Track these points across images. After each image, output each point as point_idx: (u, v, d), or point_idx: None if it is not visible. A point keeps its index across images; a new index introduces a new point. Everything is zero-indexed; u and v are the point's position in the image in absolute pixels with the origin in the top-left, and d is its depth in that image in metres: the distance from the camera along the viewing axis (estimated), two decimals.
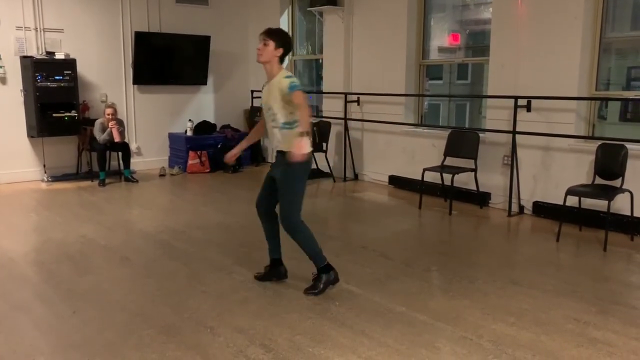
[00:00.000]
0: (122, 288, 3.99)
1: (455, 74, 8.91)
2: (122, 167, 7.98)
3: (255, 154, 9.37)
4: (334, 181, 8.01)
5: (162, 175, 8.46)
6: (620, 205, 5.17)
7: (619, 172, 5.06)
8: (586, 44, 5.55)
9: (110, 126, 7.55)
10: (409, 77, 7.34)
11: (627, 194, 5.02)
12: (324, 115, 8.55)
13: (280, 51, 3.69)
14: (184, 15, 9.01)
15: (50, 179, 7.83)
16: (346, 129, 7.94)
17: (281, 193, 3.74)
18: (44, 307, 3.66)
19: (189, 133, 8.89)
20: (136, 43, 8.48)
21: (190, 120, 8.96)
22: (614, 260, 4.64)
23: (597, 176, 5.26)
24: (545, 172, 5.91)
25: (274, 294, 3.85)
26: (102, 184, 7.61)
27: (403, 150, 7.43)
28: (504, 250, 5.08)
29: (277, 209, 3.85)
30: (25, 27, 7.63)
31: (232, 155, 4.04)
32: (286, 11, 9.12)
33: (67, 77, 7.58)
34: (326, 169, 8.16)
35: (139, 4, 8.57)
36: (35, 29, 7.72)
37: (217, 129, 9.35)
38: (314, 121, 8.03)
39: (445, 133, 6.65)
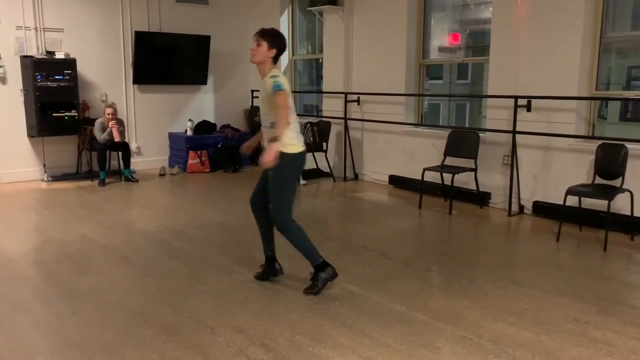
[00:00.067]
0: (122, 288, 3.99)
1: (455, 73, 8.90)
2: (122, 166, 7.98)
3: (256, 153, 9.36)
4: (334, 181, 8.01)
5: (162, 175, 8.46)
6: (621, 205, 5.16)
7: (619, 172, 5.06)
8: (586, 44, 5.55)
9: (110, 126, 7.55)
10: (409, 77, 7.34)
11: (627, 194, 5.02)
12: (324, 114, 8.55)
13: (274, 52, 3.71)
14: (184, 15, 9.01)
15: (50, 179, 7.83)
16: (346, 128, 7.94)
17: (271, 192, 3.76)
18: (44, 307, 3.66)
19: (189, 133, 8.89)
20: (136, 43, 8.48)
21: (190, 119, 8.96)
22: (614, 260, 4.64)
23: (597, 176, 5.26)
24: (546, 171, 5.91)
25: (274, 293, 3.85)
26: (102, 183, 7.61)
27: (403, 150, 7.43)
28: (504, 250, 5.08)
29: None
30: (25, 27, 7.63)
31: (247, 147, 4.17)
32: (286, 11, 9.12)
33: (67, 77, 7.58)
34: (326, 169, 8.16)
35: (139, 3, 8.57)
36: (35, 28, 7.72)
37: (217, 129, 9.35)
38: (313, 121, 8.05)
39: (446, 133, 6.65)
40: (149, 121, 8.93)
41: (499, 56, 6.20)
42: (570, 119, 5.66)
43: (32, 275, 4.29)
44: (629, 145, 5.07)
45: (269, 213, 3.82)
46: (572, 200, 5.31)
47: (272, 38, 3.71)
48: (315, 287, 3.80)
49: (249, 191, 3.98)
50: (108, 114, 7.60)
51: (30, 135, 7.76)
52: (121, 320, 3.44)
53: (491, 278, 4.15)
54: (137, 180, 7.91)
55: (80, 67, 7.86)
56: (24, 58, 7.53)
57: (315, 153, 8.04)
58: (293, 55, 9.30)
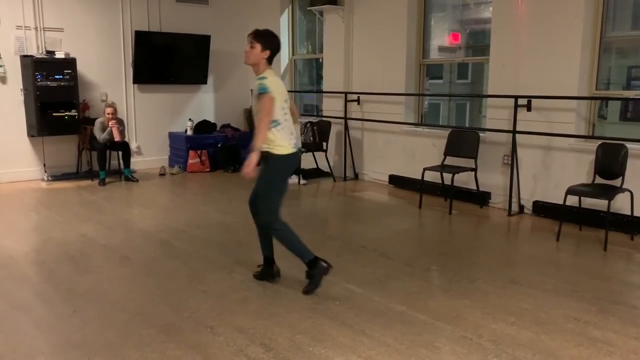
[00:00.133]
0: (122, 287, 3.99)
1: (455, 73, 8.90)
2: (122, 166, 7.98)
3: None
4: (334, 181, 8.01)
5: (162, 175, 8.46)
6: (621, 204, 5.17)
7: (619, 172, 5.06)
8: (586, 44, 5.55)
9: (110, 125, 7.56)
10: (409, 77, 7.34)
11: (627, 194, 5.02)
12: (324, 114, 8.55)
13: (267, 53, 3.71)
14: (184, 15, 9.01)
15: (50, 178, 7.83)
16: (346, 128, 7.94)
17: (259, 192, 3.78)
18: (44, 307, 3.66)
19: (189, 132, 8.89)
20: (136, 42, 8.48)
21: (190, 119, 8.96)
22: (614, 260, 4.64)
23: (597, 176, 5.26)
24: (546, 171, 5.91)
25: (274, 293, 3.85)
26: (102, 183, 7.61)
27: (403, 149, 7.43)
28: (504, 249, 5.08)
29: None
30: (25, 27, 7.63)
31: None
32: (286, 10, 9.12)
33: (67, 77, 7.58)
34: (326, 169, 8.16)
35: (139, 3, 8.57)
36: (35, 28, 7.72)
37: (217, 128, 9.35)
38: (313, 120, 8.05)
39: (446, 132, 6.65)
40: (149, 121, 8.93)
41: (499, 56, 6.20)
42: (570, 118, 5.66)
43: (32, 274, 4.29)
44: (629, 145, 5.07)
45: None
46: (572, 200, 5.31)
47: (265, 39, 3.72)
48: (312, 285, 3.80)
49: (248, 191, 3.98)
50: (108, 114, 7.60)
51: (30, 135, 7.76)
52: (121, 319, 3.44)
53: (491, 278, 4.15)
54: (137, 180, 7.92)
55: (80, 67, 7.86)
56: (24, 58, 7.53)
57: (315, 153, 8.04)
58: (293, 54, 9.30)
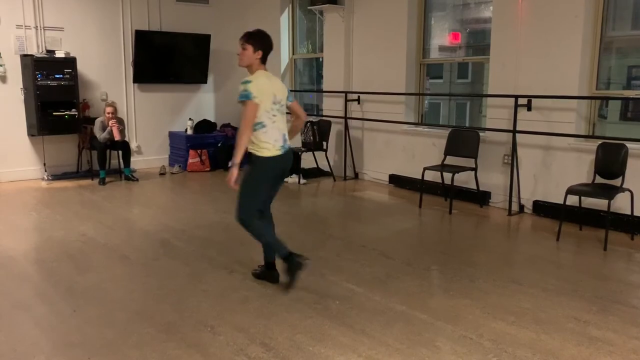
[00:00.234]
0: (122, 287, 3.99)
1: (455, 72, 8.90)
2: (122, 165, 7.97)
3: None
4: (334, 180, 8.01)
5: (162, 174, 8.46)
6: (621, 204, 5.17)
7: (619, 172, 5.06)
8: (587, 43, 5.55)
9: (110, 125, 7.56)
10: (409, 76, 7.34)
11: (627, 193, 5.02)
12: (324, 114, 8.55)
13: (260, 53, 3.73)
14: (184, 14, 9.01)
15: (50, 178, 7.83)
16: (346, 127, 7.94)
17: (239, 190, 3.75)
18: (44, 306, 3.66)
19: (189, 132, 8.89)
20: (136, 41, 8.48)
21: (190, 119, 8.96)
22: (614, 260, 4.64)
23: (597, 175, 5.26)
24: (546, 171, 5.91)
25: (274, 292, 3.85)
26: (103, 182, 7.61)
27: (403, 149, 7.43)
28: (504, 249, 5.08)
29: (270, 209, 3.98)
30: (25, 26, 7.63)
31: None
32: (287, 9, 9.11)
33: (68, 76, 7.58)
34: (326, 168, 8.16)
35: (139, 2, 8.56)
36: (36, 27, 7.72)
37: (218, 128, 9.35)
38: (313, 120, 8.05)
39: (446, 132, 6.65)
40: (149, 120, 8.93)
41: (499, 55, 6.20)
42: (570, 118, 5.66)
43: (32, 273, 4.29)
44: (629, 145, 5.07)
45: (267, 214, 3.92)
46: (572, 200, 5.31)
47: (256, 40, 3.72)
48: (291, 281, 3.79)
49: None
50: (108, 113, 7.60)
51: (30, 134, 7.76)
52: (121, 319, 3.44)
53: (491, 277, 4.15)
54: (137, 179, 7.91)
55: (81, 66, 7.86)
56: (24, 57, 7.53)
57: (315, 152, 8.04)
58: (293, 54, 9.30)
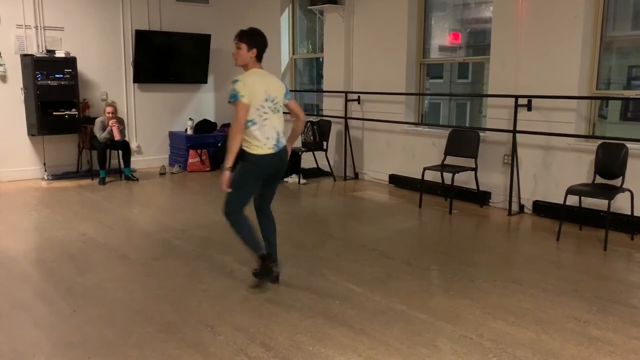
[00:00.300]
0: (122, 286, 3.99)
1: (455, 72, 8.89)
2: (122, 165, 7.97)
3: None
4: (335, 180, 8.01)
5: (162, 174, 8.46)
6: (621, 204, 5.17)
7: (619, 172, 5.06)
8: (587, 43, 5.55)
9: (110, 124, 7.56)
10: (409, 76, 7.34)
11: (627, 194, 5.02)
12: (324, 114, 8.55)
13: (254, 52, 3.71)
14: (185, 14, 9.01)
15: (50, 177, 7.83)
16: (346, 127, 7.94)
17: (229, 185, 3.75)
18: (44, 306, 3.66)
19: (190, 131, 8.89)
20: (136, 41, 8.48)
21: (190, 118, 8.96)
22: (614, 260, 4.64)
23: (597, 175, 5.26)
24: (546, 171, 5.91)
25: (274, 292, 3.85)
26: (103, 182, 7.61)
27: (403, 149, 7.43)
28: (504, 249, 5.08)
29: (270, 207, 4.00)
30: (25, 26, 7.63)
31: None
32: (287, 9, 9.11)
33: (68, 76, 7.58)
34: (326, 168, 8.16)
35: (139, 2, 8.56)
36: (36, 27, 7.72)
37: (218, 128, 9.34)
38: (314, 120, 8.04)
39: (446, 132, 6.65)
40: (149, 120, 8.93)
41: (499, 55, 6.20)
42: (570, 118, 5.66)
43: (32, 273, 4.29)
44: (629, 145, 5.07)
45: (267, 212, 3.95)
46: (572, 200, 5.31)
47: (249, 38, 3.70)
48: (257, 283, 3.82)
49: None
50: (108, 113, 7.60)
51: (30, 134, 7.76)
52: (121, 318, 3.44)
53: (491, 277, 4.15)
54: (137, 179, 7.91)
55: (81, 66, 7.86)
56: (24, 57, 7.53)
57: (315, 152, 8.04)
58: (293, 54, 9.30)
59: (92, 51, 8.19)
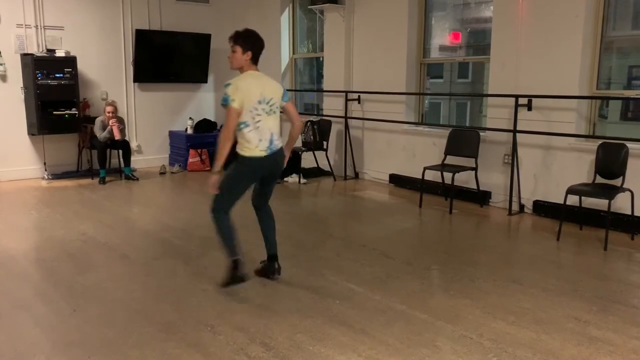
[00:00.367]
0: (122, 286, 3.99)
1: (456, 72, 8.89)
2: (122, 165, 7.97)
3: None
4: (335, 180, 8.01)
5: (162, 173, 8.46)
6: (621, 204, 5.17)
7: (620, 172, 5.06)
8: (587, 43, 5.54)
9: (110, 124, 7.56)
10: (409, 76, 7.34)
11: (627, 193, 5.02)
12: (324, 113, 8.55)
13: (249, 54, 3.67)
14: (185, 13, 9.01)
15: (50, 177, 7.83)
16: (347, 127, 7.93)
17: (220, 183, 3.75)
18: (45, 305, 3.66)
19: (190, 131, 8.89)
20: (137, 41, 8.48)
21: (190, 118, 8.96)
22: (614, 259, 4.64)
23: (597, 175, 5.26)
24: (546, 171, 5.91)
25: (274, 292, 3.85)
26: (103, 181, 7.61)
27: (403, 148, 7.43)
28: (504, 249, 5.08)
29: (267, 204, 4.04)
30: (25, 25, 7.63)
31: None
32: (287, 9, 9.10)
33: (68, 75, 7.58)
34: (327, 168, 8.16)
35: (139, 1, 8.56)
36: (36, 26, 7.72)
37: (218, 127, 9.33)
38: (314, 119, 8.04)
39: (446, 132, 6.65)
40: (150, 119, 8.93)
41: (499, 55, 6.20)
42: (570, 118, 5.66)
43: (32, 273, 4.29)
44: (629, 145, 5.07)
45: (265, 208, 3.99)
46: (572, 200, 5.31)
47: (244, 41, 3.66)
48: (225, 284, 3.77)
49: (249, 190, 3.98)
50: (108, 112, 7.60)
51: (30, 134, 7.76)
52: (121, 318, 3.44)
53: (491, 277, 4.15)
54: (137, 179, 7.91)
55: (81, 65, 7.86)
56: (24, 56, 7.53)
57: (315, 152, 8.04)
58: (294, 53, 9.29)
59: (92, 50, 8.19)
